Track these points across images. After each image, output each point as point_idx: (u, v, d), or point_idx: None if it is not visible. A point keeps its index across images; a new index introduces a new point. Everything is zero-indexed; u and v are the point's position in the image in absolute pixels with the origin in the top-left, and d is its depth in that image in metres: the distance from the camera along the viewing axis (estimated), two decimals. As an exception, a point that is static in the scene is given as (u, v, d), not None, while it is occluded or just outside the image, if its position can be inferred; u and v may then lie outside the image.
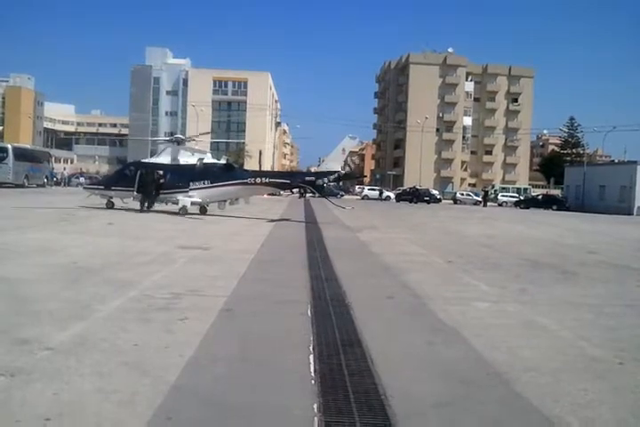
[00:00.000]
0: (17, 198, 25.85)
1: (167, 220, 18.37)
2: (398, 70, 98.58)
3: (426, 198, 55.19)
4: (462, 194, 65.82)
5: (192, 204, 20.72)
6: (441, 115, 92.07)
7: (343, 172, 21.97)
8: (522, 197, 60.41)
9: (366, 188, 65.01)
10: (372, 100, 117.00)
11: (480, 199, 59.25)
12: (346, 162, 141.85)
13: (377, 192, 60.75)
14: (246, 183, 20.89)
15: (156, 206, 20.70)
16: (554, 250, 14.43)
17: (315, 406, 3.55)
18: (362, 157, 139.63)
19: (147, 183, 20.15)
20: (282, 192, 34.73)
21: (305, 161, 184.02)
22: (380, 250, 12.49)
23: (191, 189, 20.75)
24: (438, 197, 61.26)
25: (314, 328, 5.41)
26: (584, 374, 4.40)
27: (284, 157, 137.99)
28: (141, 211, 19.84)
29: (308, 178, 22.61)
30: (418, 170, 77.68)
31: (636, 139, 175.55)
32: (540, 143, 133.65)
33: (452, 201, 63.05)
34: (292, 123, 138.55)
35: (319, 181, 21.58)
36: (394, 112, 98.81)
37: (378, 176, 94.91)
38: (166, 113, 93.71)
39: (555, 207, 50.95)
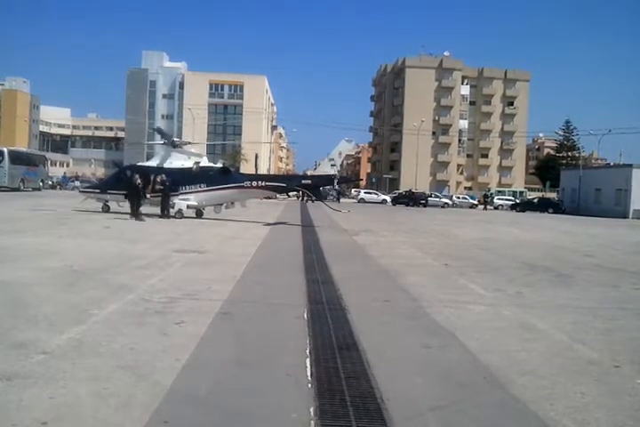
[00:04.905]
0: (13, 202, 25.77)
1: (163, 223, 18.35)
2: (394, 74, 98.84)
3: (422, 202, 55.24)
4: (458, 197, 66.00)
5: (188, 207, 20.71)
6: (437, 118, 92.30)
7: (339, 175, 22.10)
8: (518, 201, 60.53)
9: (362, 191, 65.03)
10: (368, 103, 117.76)
11: (476, 202, 60.00)
12: (342, 166, 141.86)
13: (372, 195, 61.27)
14: (242, 187, 20.91)
15: (153, 210, 20.63)
16: (550, 253, 14.46)
17: (311, 409, 3.55)
18: (358, 161, 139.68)
19: (139, 188, 19.78)
20: (278, 195, 34.75)
21: (301, 164, 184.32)
22: (377, 253, 12.50)
23: (187, 193, 20.74)
24: (434, 200, 61.46)
25: (310, 332, 5.41)
26: (580, 378, 4.41)
27: (281, 161, 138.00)
28: (134, 218, 19.28)
29: (304, 181, 22.64)
30: (414, 173, 77.82)
31: (631, 142, 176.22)
32: (536, 146, 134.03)
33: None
34: (289, 126, 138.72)
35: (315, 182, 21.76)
36: (390, 115, 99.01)
37: (374, 179, 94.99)
38: (162, 116, 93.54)
39: (550, 210, 50.96)
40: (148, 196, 20.38)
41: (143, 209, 20.10)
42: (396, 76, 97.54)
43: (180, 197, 20.66)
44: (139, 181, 19.42)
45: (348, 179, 78.35)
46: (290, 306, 6.55)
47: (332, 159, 22.85)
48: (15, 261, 8.81)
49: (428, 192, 65.09)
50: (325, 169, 22.88)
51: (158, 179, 20.39)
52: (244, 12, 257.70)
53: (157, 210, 20.48)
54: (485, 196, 60.85)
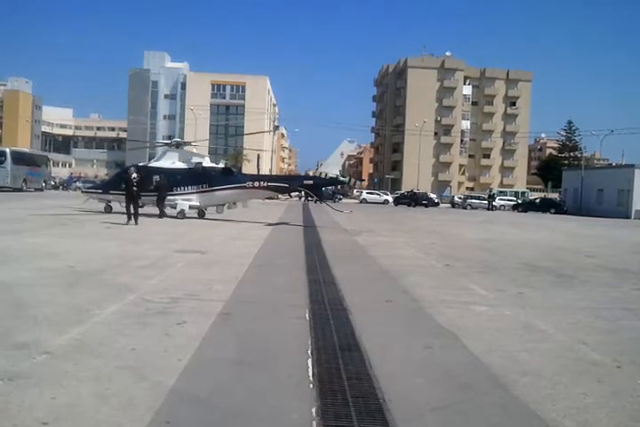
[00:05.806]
0: (15, 202, 25.81)
1: (165, 223, 18.36)
2: (396, 74, 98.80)
3: (424, 202, 55.21)
4: (460, 197, 65.88)
5: (190, 207, 20.73)
6: (439, 118, 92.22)
7: (341, 176, 22.01)
8: (520, 201, 60.42)
9: (364, 191, 65.02)
10: (370, 103, 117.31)
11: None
12: (344, 166, 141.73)
13: (374, 195, 61.26)
14: (245, 187, 20.94)
15: (153, 210, 20.65)
16: (551, 254, 14.44)
17: (313, 410, 3.55)
18: (360, 161, 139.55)
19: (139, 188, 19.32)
20: (280, 195, 34.73)
21: (303, 165, 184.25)
22: (378, 253, 12.49)
23: (189, 193, 20.77)
24: (436, 200, 61.34)
25: (312, 332, 5.40)
26: (582, 378, 4.40)
27: (283, 161, 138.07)
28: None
29: (306, 181, 22.66)
30: (416, 173, 77.76)
31: (633, 142, 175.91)
32: (538, 147, 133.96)
33: (449, 205, 63.16)
34: (291, 127, 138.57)
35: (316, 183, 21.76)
36: (392, 116, 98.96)
37: (376, 180, 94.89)
38: (164, 117, 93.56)
39: (552, 211, 50.87)
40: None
41: (143, 209, 20.05)
42: (398, 77, 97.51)
43: (183, 197, 20.69)
44: (134, 175, 19.11)
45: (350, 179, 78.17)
46: (291, 306, 6.54)
47: (340, 175, 22.91)
48: (16, 261, 8.82)
49: (473, 193, 65.14)
50: (326, 170, 22.84)
51: (153, 179, 20.38)
52: (245, 12, 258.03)
53: (158, 210, 20.51)
54: (489, 196, 60.15)
